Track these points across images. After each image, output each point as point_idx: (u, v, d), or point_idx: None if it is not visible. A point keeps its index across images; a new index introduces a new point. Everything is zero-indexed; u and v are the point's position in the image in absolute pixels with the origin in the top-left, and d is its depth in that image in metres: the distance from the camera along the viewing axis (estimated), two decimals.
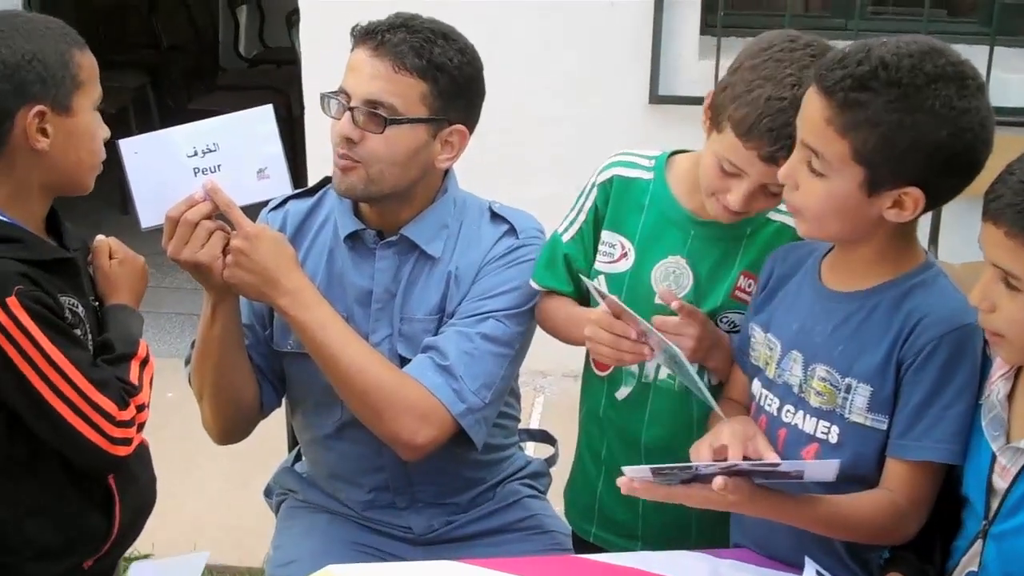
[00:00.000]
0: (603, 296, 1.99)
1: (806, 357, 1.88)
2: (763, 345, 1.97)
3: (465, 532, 2.39)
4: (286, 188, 2.15)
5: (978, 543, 1.75)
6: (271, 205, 2.33)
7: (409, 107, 2.10)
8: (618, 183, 2.21)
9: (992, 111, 1.76)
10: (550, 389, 4.40)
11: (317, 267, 2.27)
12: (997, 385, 1.75)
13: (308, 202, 2.32)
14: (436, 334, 2.21)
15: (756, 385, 1.98)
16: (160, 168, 2.06)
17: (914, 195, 1.74)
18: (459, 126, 2.18)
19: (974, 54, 4.04)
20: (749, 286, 2.11)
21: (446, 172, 2.27)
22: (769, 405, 1.94)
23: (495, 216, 2.28)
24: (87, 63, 1.96)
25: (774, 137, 1.89)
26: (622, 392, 2.21)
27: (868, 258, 1.85)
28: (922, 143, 1.70)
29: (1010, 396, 1.74)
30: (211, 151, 2.07)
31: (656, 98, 4.25)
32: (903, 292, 1.83)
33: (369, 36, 2.10)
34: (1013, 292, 1.62)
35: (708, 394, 1.91)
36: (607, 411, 2.24)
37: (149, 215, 2.07)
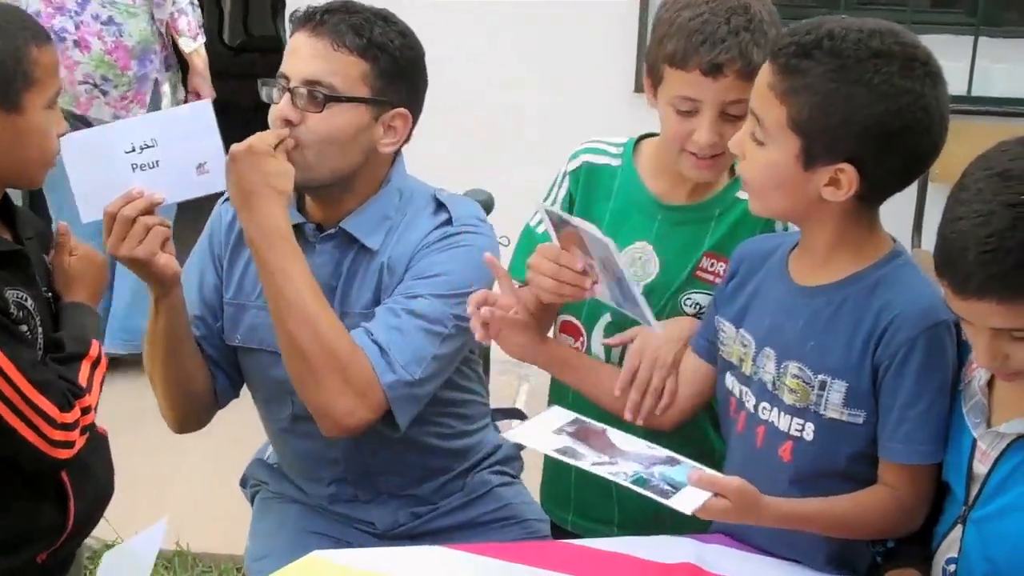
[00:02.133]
0: (548, 214, 1.95)
1: (778, 354, 1.86)
2: (736, 342, 1.95)
3: (433, 527, 2.32)
4: (222, 183, 2.11)
5: (958, 528, 1.76)
6: (224, 196, 2.28)
7: (349, 86, 2.07)
8: (587, 170, 2.21)
9: (947, 103, 1.74)
10: (535, 377, 4.39)
11: None
12: (978, 372, 1.76)
13: None
14: None
15: (731, 381, 1.96)
16: (99, 164, 2.04)
17: (848, 173, 1.73)
18: (402, 110, 2.13)
19: (959, 45, 4.09)
20: (711, 266, 2.10)
21: (392, 162, 2.22)
22: (748, 402, 1.93)
23: (438, 204, 2.21)
24: (45, 59, 1.90)
25: (708, 47, 1.92)
26: None
27: (830, 246, 1.83)
28: (856, 117, 1.69)
29: (990, 383, 1.75)
30: (149, 147, 2.04)
31: (641, 87, 4.24)
32: (871, 285, 1.81)
33: (308, 18, 2.09)
34: (1018, 342, 1.59)
35: (652, 317, 1.90)
36: (576, 397, 2.19)
37: (89, 210, 2.05)
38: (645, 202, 2.15)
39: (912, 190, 4.22)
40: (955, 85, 4.26)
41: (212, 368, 2.29)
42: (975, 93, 4.16)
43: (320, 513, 2.35)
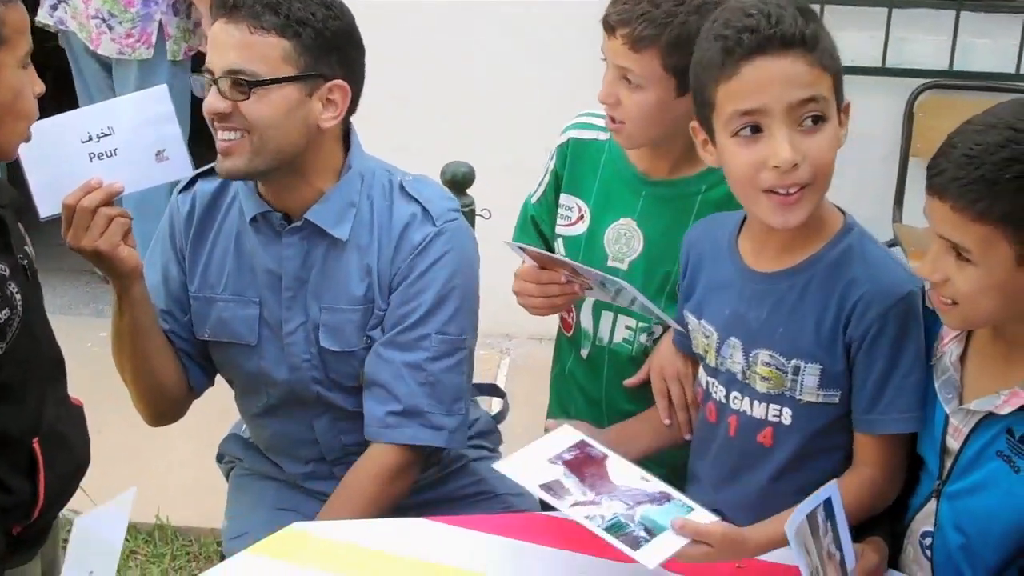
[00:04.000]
0: (523, 250, 2.00)
1: (745, 343, 1.86)
2: (699, 332, 1.95)
3: (409, 502, 2.27)
4: (187, 169, 2.09)
5: (932, 502, 1.77)
6: (180, 186, 2.26)
7: (273, 68, 2.01)
8: (574, 145, 2.22)
9: None
10: (516, 351, 4.39)
11: (227, 250, 2.21)
12: (950, 347, 1.76)
13: (216, 182, 2.23)
14: (367, 324, 2.16)
15: (701, 372, 1.98)
16: (56, 155, 2.00)
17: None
18: (338, 81, 2.07)
19: (941, 19, 4.08)
20: None
21: (347, 144, 2.18)
22: (716, 393, 1.93)
23: (406, 194, 2.17)
24: (12, 17, 1.83)
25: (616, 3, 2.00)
26: (584, 351, 2.22)
27: (795, 233, 1.80)
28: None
29: (962, 358, 1.75)
30: (106, 135, 2.01)
31: None
32: (832, 263, 1.81)
33: (222, 4, 2.02)
34: (963, 263, 1.61)
35: (660, 311, 1.92)
36: (573, 369, 2.26)
37: (47, 204, 2.01)
38: (630, 177, 2.15)
39: (894, 165, 4.24)
40: (937, 59, 4.32)
41: (184, 360, 2.27)
42: (957, 68, 4.16)
43: (296, 490, 2.35)
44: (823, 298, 1.80)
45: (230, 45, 2.00)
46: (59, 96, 2.16)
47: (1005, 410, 1.66)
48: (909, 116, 4.15)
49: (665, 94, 1.98)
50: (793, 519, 1.53)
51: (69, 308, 4.93)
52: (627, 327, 2.17)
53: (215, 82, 2.02)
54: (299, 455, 2.32)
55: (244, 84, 2.00)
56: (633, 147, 2.11)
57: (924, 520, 1.79)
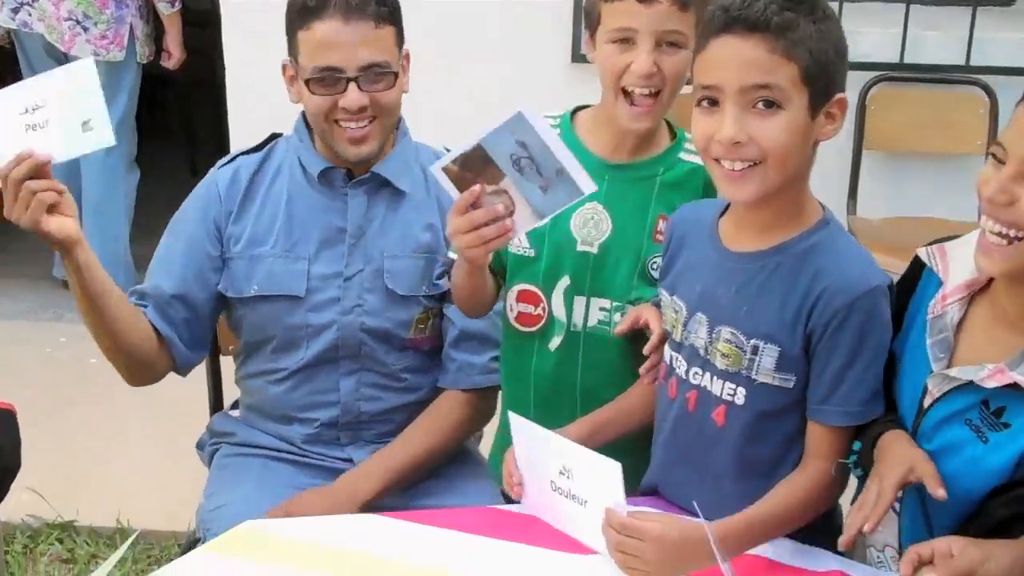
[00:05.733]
0: (456, 167, 1.89)
1: (711, 319, 1.88)
2: (670, 308, 1.97)
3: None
4: (109, 139, 2.11)
5: None
6: (221, 162, 2.38)
7: (394, 55, 2.23)
8: None
9: None
10: None
11: (276, 214, 2.33)
12: (951, 308, 1.78)
13: (257, 156, 2.39)
14: (431, 272, 2.33)
15: (666, 348, 1.99)
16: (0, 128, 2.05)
17: (842, 101, 1.80)
18: (405, 49, 2.30)
19: (891, 12, 4.12)
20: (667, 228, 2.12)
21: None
22: (678, 367, 1.95)
23: None
24: None
25: None
26: (554, 342, 2.22)
27: (773, 214, 1.84)
28: (839, 48, 1.79)
29: (961, 323, 1.77)
30: (40, 107, 2.05)
31: (578, 57, 4.27)
32: (804, 250, 1.83)
33: (335, 7, 2.15)
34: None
35: (581, 170, 1.84)
36: (539, 366, 2.24)
37: None
38: (590, 164, 2.13)
39: (847, 158, 4.28)
40: (887, 52, 4.37)
41: (178, 335, 2.32)
42: (907, 60, 4.20)
43: (283, 464, 2.40)
44: (790, 282, 1.82)
45: (363, 42, 2.17)
46: None
47: (990, 384, 1.68)
48: (861, 109, 4.20)
49: None
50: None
51: (29, 313, 4.92)
52: (601, 308, 2.18)
53: (354, 80, 2.18)
54: (314, 416, 2.39)
55: (389, 75, 2.22)
56: (661, 116, 2.14)
57: None
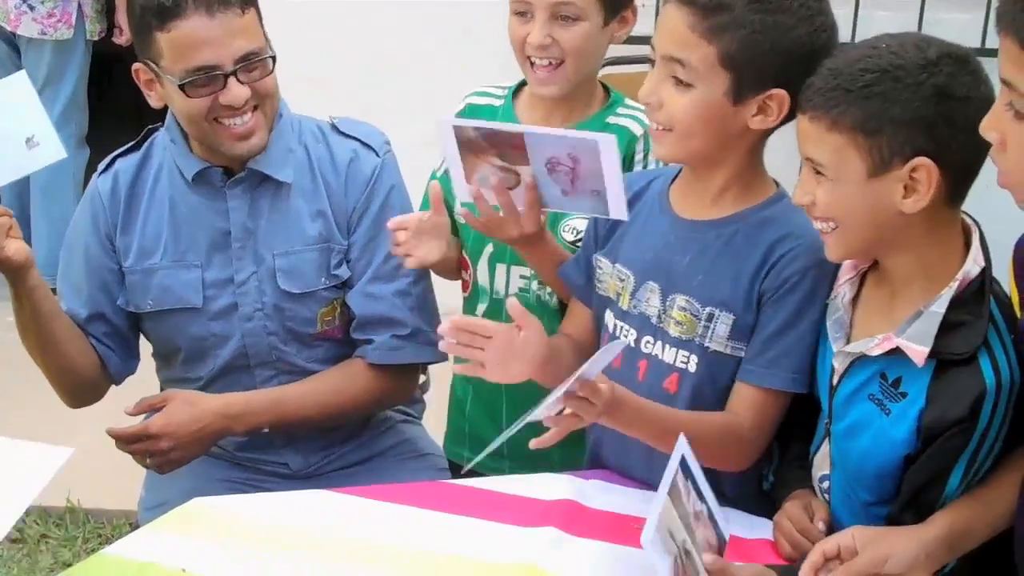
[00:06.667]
0: (457, 129, 1.90)
1: (664, 288, 1.89)
2: (612, 276, 1.97)
3: (341, 463, 2.39)
4: (59, 152, 2.07)
5: (825, 443, 1.82)
6: (100, 167, 2.28)
7: (262, 38, 2.14)
8: (469, 110, 2.28)
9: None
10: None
11: (161, 223, 2.24)
12: (843, 288, 1.80)
13: (135, 157, 2.27)
14: (327, 263, 2.23)
15: (609, 316, 1.99)
16: None
17: (779, 98, 1.77)
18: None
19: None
20: None
21: None
22: (626, 336, 1.95)
23: (341, 134, 2.28)
24: None
25: None
26: (480, 309, 2.25)
27: (721, 185, 1.87)
28: (783, 43, 1.75)
29: (854, 300, 1.80)
30: None
31: None
32: (760, 221, 1.85)
33: (186, 3, 2.02)
34: (820, 178, 1.68)
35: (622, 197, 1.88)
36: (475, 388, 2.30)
37: None
38: None
39: None
40: (840, 31, 4.36)
41: (109, 347, 2.29)
42: (860, 39, 4.22)
43: (221, 460, 2.37)
44: (748, 250, 1.84)
45: (228, 35, 2.04)
46: None
47: (875, 352, 1.70)
48: None
49: None
50: (645, 531, 1.45)
51: None
52: (521, 276, 2.22)
53: (231, 74, 2.06)
54: None
55: (267, 60, 2.10)
56: (569, 84, 2.16)
57: (821, 463, 1.84)
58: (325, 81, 3.99)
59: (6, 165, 2.00)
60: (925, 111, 1.60)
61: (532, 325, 1.75)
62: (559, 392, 1.62)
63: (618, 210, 1.84)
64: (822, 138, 1.64)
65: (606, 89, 2.25)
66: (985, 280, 1.67)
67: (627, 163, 2.15)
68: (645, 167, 2.15)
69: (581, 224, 2.12)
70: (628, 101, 2.21)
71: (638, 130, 2.17)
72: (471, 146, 1.87)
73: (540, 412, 1.66)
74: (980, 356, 1.64)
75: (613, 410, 1.70)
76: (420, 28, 4.31)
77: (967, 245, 1.69)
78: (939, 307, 1.65)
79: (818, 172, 1.67)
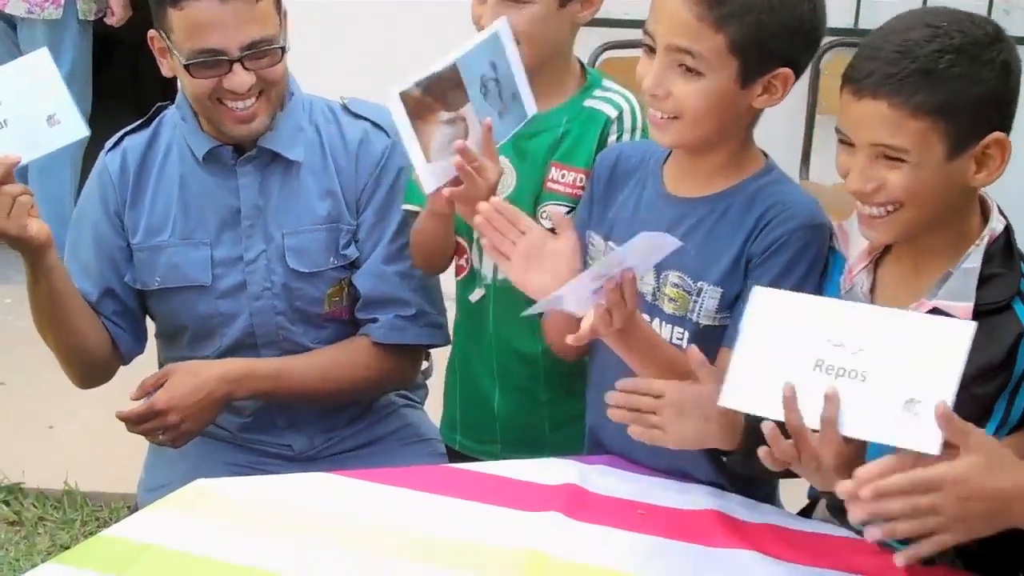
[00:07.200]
0: (416, 94, 1.88)
1: (657, 264, 1.87)
2: (604, 253, 1.96)
3: (344, 447, 2.39)
4: (81, 130, 2.07)
5: None
6: (108, 144, 2.28)
7: (276, 26, 2.13)
8: None
9: None
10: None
11: (170, 200, 2.24)
12: (859, 278, 1.79)
13: (145, 134, 2.28)
14: (336, 243, 2.23)
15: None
16: None
17: (784, 75, 1.79)
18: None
19: None
20: (562, 176, 2.13)
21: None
22: None
23: (351, 114, 2.27)
24: None
25: None
26: (475, 295, 2.23)
27: (717, 164, 1.87)
28: (789, 23, 1.76)
29: (872, 290, 1.79)
30: None
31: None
32: (752, 193, 1.86)
33: None
34: (894, 165, 1.64)
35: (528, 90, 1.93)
36: (462, 316, 2.28)
37: None
38: None
39: (800, 122, 4.28)
40: (842, 17, 4.36)
41: (119, 325, 2.28)
42: (862, 26, 4.22)
43: (222, 443, 2.36)
44: (738, 224, 1.84)
45: (238, 22, 2.04)
46: None
47: None
48: (815, 74, 4.19)
49: None
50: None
51: None
52: None
53: (237, 60, 2.05)
54: (244, 406, 2.33)
55: (276, 51, 2.10)
56: (533, 67, 2.12)
57: None
58: (325, 81, 4.00)
59: (28, 143, 1.99)
60: (999, 87, 1.62)
61: (569, 238, 1.76)
62: (599, 273, 1.62)
63: (530, 103, 1.88)
64: (902, 124, 1.61)
65: (587, 72, 2.22)
66: (1010, 235, 1.70)
67: (601, 145, 2.13)
68: None
69: (554, 210, 2.08)
70: (605, 83, 2.19)
71: (612, 112, 2.14)
72: (419, 110, 1.86)
73: (567, 289, 1.64)
74: (1014, 303, 1.66)
75: (632, 328, 1.72)
76: (420, 28, 4.30)
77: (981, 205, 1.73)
78: (972, 263, 1.67)
79: (890, 158, 1.64)
